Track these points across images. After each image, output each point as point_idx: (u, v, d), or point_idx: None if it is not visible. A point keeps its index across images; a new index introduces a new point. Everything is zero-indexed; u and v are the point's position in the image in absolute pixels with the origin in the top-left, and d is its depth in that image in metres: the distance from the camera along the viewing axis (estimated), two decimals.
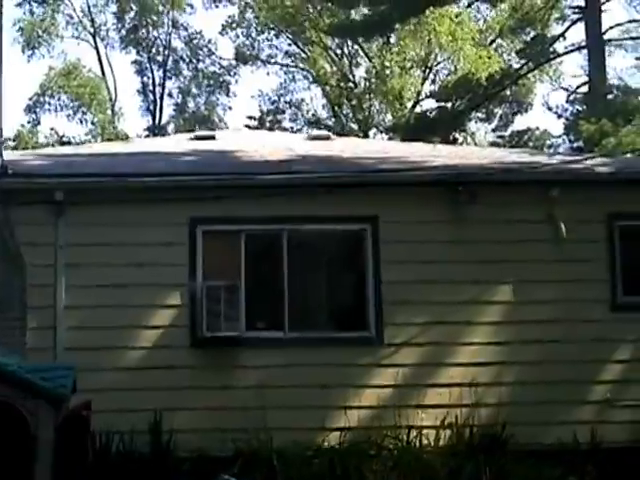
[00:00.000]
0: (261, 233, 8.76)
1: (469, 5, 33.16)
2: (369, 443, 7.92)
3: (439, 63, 33.10)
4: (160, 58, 35.74)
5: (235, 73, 36.27)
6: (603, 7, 25.74)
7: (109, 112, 34.33)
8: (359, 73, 35.01)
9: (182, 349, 8.29)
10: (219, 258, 8.63)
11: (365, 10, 28.23)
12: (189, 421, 7.97)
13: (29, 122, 33.40)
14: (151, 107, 35.74)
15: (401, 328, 8.49)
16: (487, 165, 9.44)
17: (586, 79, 26.57)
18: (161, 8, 35.46)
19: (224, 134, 15.38)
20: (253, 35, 35.62)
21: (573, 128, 23.64)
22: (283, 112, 36.10)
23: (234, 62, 35.90)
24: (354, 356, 8.42)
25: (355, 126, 34.33)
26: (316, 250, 8.94)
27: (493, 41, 31.43)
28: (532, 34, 29.31)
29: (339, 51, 35.18)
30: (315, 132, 13.75)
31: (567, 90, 29.40)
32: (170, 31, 35.63)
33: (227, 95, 36.24)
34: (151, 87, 35.72)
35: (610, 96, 23.71)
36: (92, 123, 33.93)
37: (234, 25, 35.03)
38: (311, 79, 35.91)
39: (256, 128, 30.43)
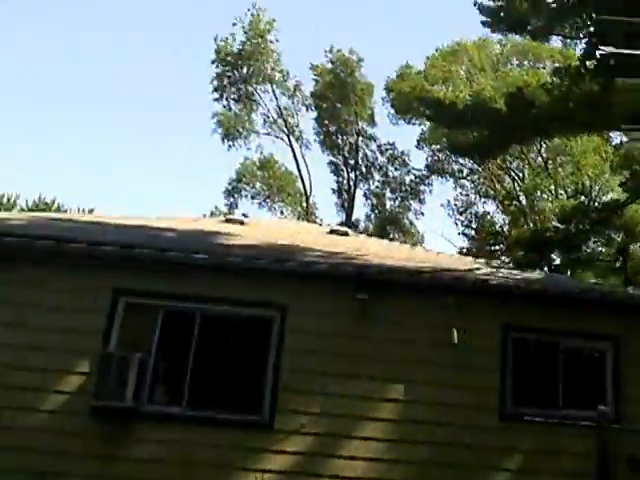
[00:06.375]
0: (178, 310, 9.16)
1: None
2: None
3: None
4: (352, 162, 38.05)
5: (429, 183, 37.49)
6: None
7: (304, 204, 37.28)
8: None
9: None
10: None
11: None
12: None
13: (226, 205, 36.89)
14: (345, 205, 37.93)
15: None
16: (391, 266, 9.85)
17: None
18: (352, 118, 37.58)
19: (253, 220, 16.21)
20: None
21: None
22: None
23: (425, 172, 37.18)
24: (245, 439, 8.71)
25: None
26: (225, 332, 9.30)
27: None
28: None
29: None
30: (336, 227, 15.96)
31: None
32: (356, 139, 37.76)
33: (420, 202, 37.86)
34: (345, 187, 38.06)
35: None
36: (281, 212, 37.49)
37: (428, 140, 35.69)
38: (489, 195, 35.96)
39: None
